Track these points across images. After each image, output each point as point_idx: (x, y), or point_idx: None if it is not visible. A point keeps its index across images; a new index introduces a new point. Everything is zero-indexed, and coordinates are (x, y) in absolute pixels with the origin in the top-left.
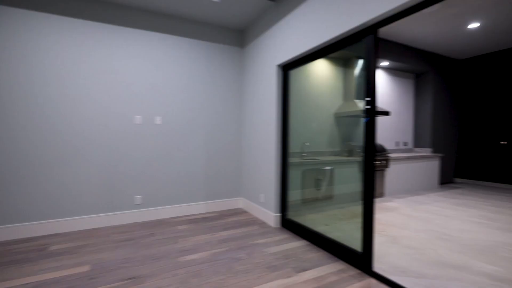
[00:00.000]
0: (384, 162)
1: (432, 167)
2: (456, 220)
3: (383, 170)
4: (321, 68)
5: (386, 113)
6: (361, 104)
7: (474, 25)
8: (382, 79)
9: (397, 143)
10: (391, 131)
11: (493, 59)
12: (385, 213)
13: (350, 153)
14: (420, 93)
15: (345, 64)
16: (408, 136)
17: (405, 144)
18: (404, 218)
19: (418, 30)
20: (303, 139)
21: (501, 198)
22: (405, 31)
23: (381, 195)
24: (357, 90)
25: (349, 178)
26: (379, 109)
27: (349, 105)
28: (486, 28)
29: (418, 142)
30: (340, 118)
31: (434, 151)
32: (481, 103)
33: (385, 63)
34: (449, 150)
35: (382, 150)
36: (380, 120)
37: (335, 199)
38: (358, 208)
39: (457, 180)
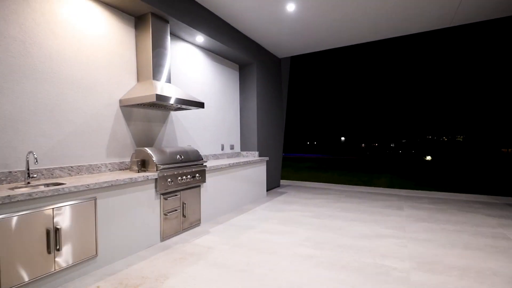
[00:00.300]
0: (199, 176)
1: (259, 173)
2: (284, 261)
3: (198, 187)
4: (91, 20)
5: (199, 105)
6: (167, 88)
7: (290, 6)
8: (201, 62)
9: (222, 147)
10: (214, 131)
11: (314, 61)
12: (187, 268)
13: (144, 165)
14: (244, 88)
15: (138, 23)
16: (235, 137)
17: (232, 147)
18: (212, 279)
19: (237, 3)
20: (35, 146)
21: (321, 204)
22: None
23: (196, 223)
24: (159, 67)
25: (134, 214)
26: (189, 98)
27: (144, 88)
28: (301, 14)
29: (245, 144)
30: (132, 109)
31: (261, 155)
32: (302, 104)
33: (200, 38)
34: (275, 152)
35: (197, 158)
36: (196, 115)
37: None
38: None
39: (282, 182)
